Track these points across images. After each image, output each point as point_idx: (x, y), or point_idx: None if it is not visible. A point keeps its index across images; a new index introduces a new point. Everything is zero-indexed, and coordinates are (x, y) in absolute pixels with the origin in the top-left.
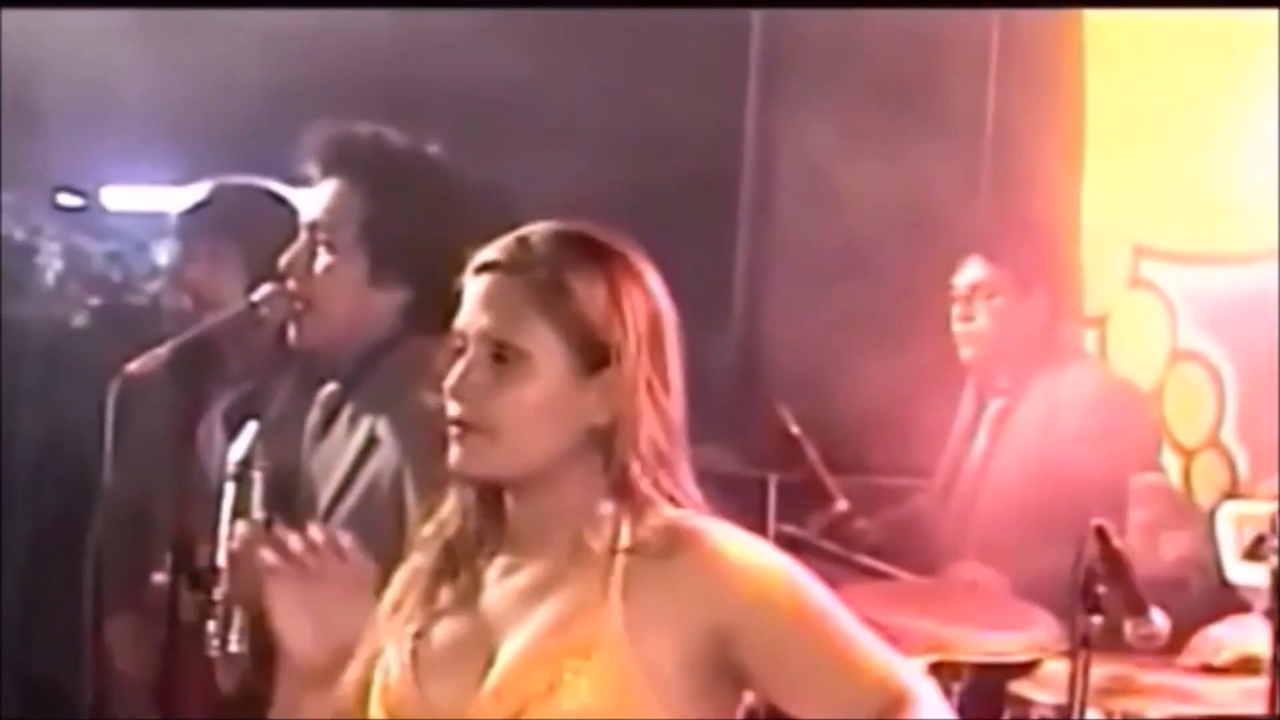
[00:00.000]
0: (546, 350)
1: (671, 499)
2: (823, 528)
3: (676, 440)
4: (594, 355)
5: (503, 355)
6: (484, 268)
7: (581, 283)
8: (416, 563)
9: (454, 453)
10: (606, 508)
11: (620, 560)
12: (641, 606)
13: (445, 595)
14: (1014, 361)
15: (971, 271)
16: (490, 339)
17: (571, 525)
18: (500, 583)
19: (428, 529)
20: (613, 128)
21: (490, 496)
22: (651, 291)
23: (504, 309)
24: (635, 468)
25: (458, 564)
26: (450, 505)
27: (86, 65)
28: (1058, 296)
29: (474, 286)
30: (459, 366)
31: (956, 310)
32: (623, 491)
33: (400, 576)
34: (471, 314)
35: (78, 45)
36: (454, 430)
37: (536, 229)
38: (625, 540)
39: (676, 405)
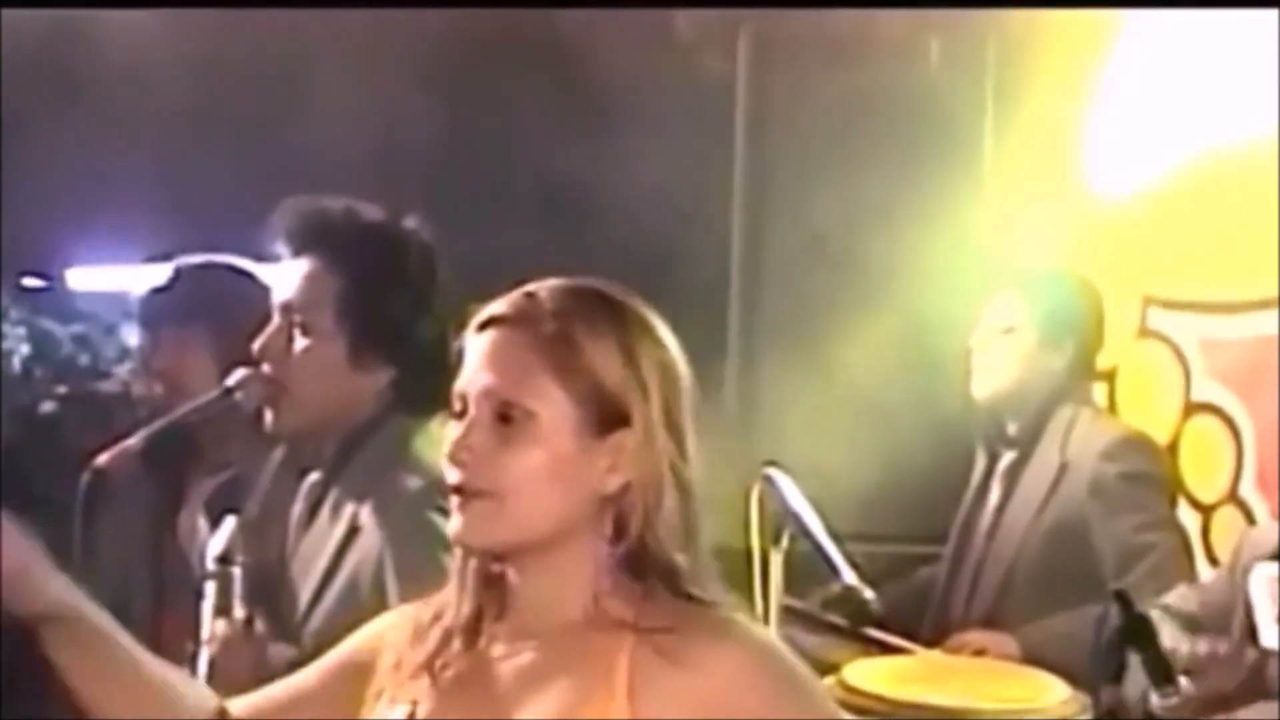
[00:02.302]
0: (555, 410)
1: (686, 580)
2: (828, 601)
3: (697, 512)
4: (606, 415)
5: (508, 416)
6: (488, 323)
7: (592, 338)
8: (407, 651)
9: (456, 522)
10: (614, 584)
11: (628, 646)
12: (646, 702)
13: (445, 679)
14: (1026, 406)
15: (1004, 305)
16: (494, 398)
17: (576, 603)
18: (503, 662)
19: (424, 614)
20: (598, 193)
21: (491, 571)
22: (668, 350)
23: (509, 366)
24: (652, 540)
25: (458, 646)
26: (449, 588)
27: (44, 141)
28: (1083, 348)
29: (476, 344)
30: (459, 429)
31: (977, 341)
32: (637, 567)
33: (385, 662)
34: (474, 373)
35: (36, 120)
36: (455, 498)
37: (544, 284)
38: (631, 620)
39: (695, 474)
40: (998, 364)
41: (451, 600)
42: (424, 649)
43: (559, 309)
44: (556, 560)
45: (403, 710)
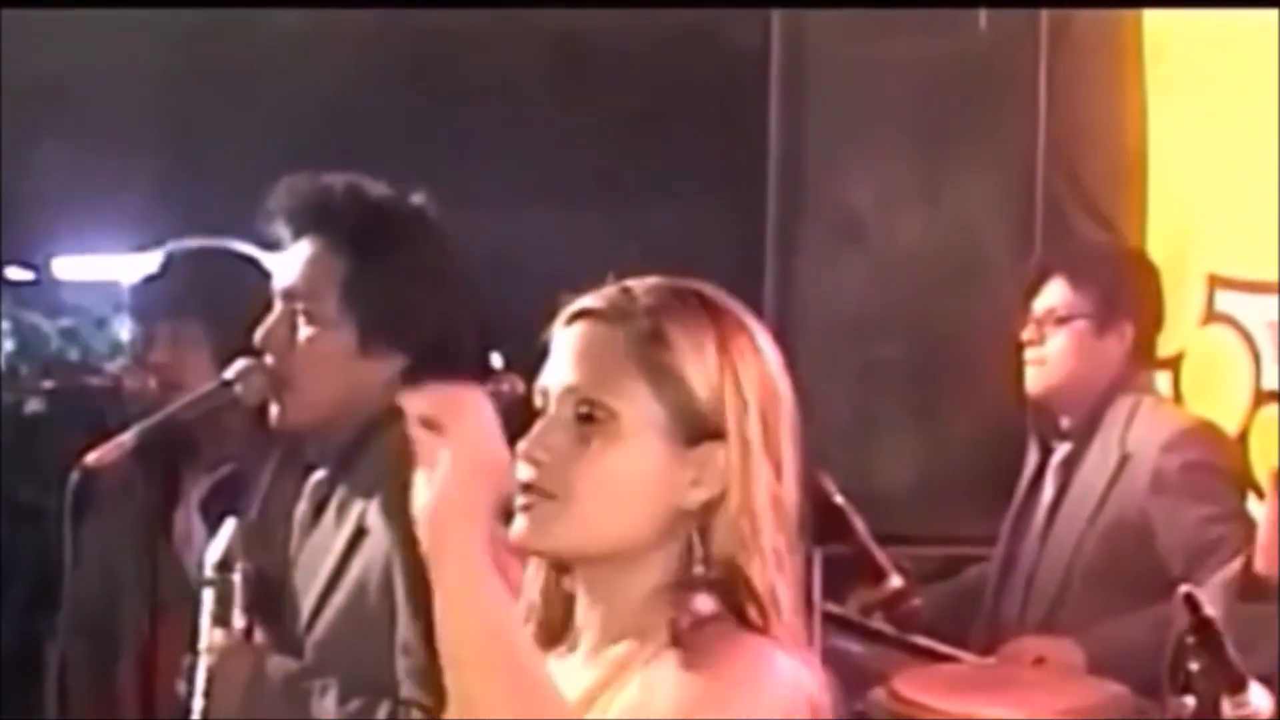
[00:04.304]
0: (641, 412)
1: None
2: (872, 606)
3: (791, 540)
4: (697, 424)
5: (590, 415)
6: (577, 315)
7: (689, 340)
8: None
9: (518, 523)
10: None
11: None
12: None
13: None
14: (1083, 398)
15: (1053, 293)
16: (577, 395)
17: (642, 623)
18: (566, 681)
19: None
20: (622, 171)
21: (563, 583)
22: (767, 361)
23: (595, 362)
24: (756, 565)
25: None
26: (529, 590)
27: (27, 122)
28: (1142, 335)
29: (564, 337)
30: (537, 426)
31: (1027, 334)
32: (728, 590)
33: None
34: (557, 367)
35: (17, 101)
36: (521, 498)
37: (643, 280)
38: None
39: (790, 497)
40: (1052, 356)
41: (534, 607)
42: None
43: (655, 305)
44: (624, 576)
45: None
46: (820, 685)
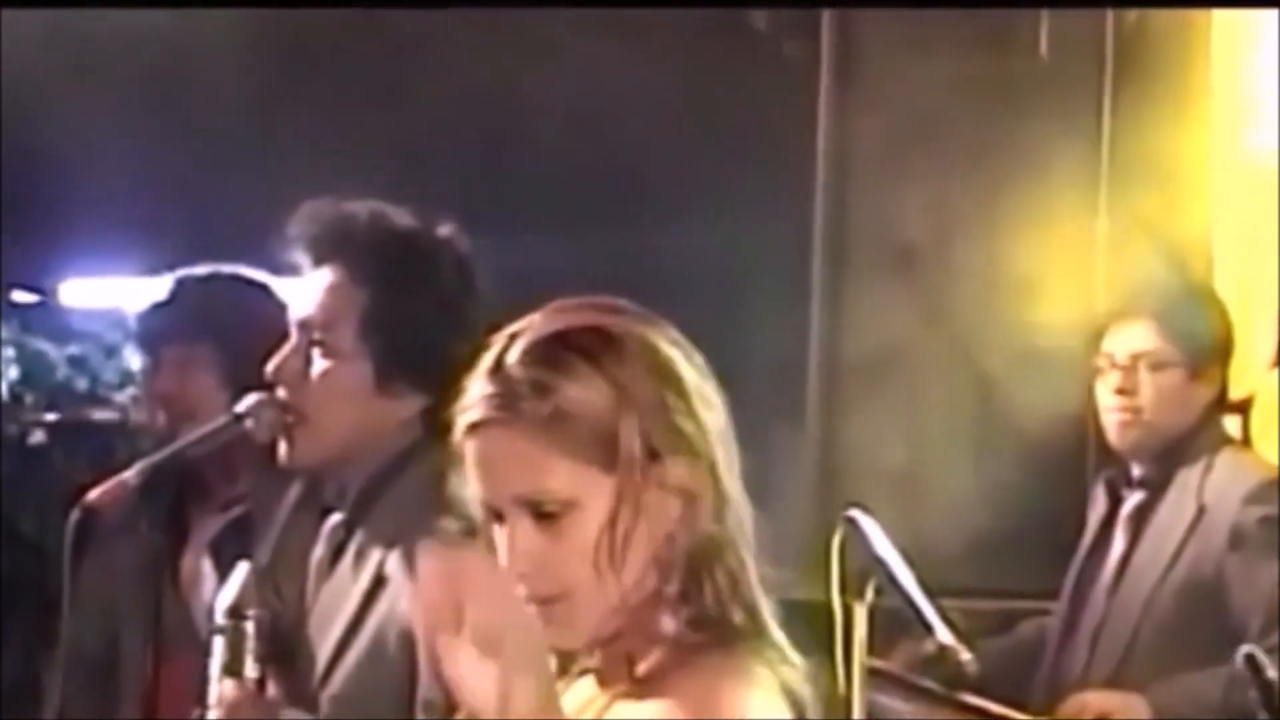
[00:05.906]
0: (585, 486)
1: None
2: (920, 662)
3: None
4: (642, 458)
5: (544, 511)
6: (474, 427)
7: (584, 396)
8: None
9: (546, 629)
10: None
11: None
12: None
13: None
14: (1162, 449)
15: (1139, 338)
16: (525, 501)
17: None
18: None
19: None
20: (664, 197)
21: None
22: (658, 352)
23: (521, 467)
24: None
25: None
26: None
27: (39, 145)
28: (1225, 377)
29: (473, 450)
30: (504, 539)
31: (1113, 380)
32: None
33: None
34: (490, 483)
35: (29, 122)
36: (531, 607)
37: (510, 354)
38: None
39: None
40: (1148, 406)
41: None
42: None
43: (537, 382)
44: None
45: None
46: None
